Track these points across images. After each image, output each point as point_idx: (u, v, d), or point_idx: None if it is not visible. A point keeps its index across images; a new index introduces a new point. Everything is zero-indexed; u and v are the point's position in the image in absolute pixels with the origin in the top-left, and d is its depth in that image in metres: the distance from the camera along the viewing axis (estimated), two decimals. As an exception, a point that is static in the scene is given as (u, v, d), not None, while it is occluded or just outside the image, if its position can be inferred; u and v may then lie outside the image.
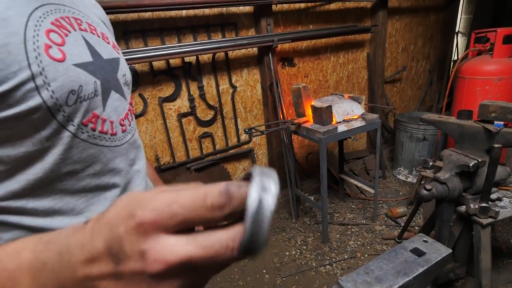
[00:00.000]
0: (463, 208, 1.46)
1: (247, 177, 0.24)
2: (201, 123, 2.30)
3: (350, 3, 2.74)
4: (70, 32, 0.48)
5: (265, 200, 0.22)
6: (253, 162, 2.64)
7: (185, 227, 0.22)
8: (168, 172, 2.25)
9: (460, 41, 4.08)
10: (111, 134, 0.53)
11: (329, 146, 2.98)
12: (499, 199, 1.53)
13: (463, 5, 4.11)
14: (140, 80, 1.98)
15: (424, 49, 3.65)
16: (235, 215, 0.23)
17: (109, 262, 0.22)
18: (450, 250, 0.98)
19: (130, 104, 0.61)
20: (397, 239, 1.98)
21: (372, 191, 2.41)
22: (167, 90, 2.10)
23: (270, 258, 2.23)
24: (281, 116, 2.42)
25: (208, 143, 2.39)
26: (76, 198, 0.50)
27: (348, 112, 2.14)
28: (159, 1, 1.74)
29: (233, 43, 2.09)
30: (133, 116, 0.62)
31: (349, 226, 2.49)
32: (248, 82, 2.43)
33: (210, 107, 2.30)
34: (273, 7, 2.26)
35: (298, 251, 2.28)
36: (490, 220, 1.39)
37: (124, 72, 0.59)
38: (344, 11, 2.76)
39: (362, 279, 0.92)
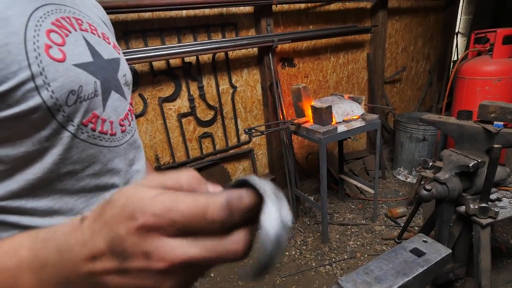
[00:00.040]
0: (462, 208, 1.46)
1: (242, 183, 0.24)
2: (201, 123, 2.30)
3: (350, 4, 2.74)
4: (70, 32, 0.48)
5: (283, 239, 0.21)
6: (253, 162, 2.64)
7: (183, 233, 0.22)
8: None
9: (460, 42, 4.08)
10: (111, 134, 0.53)
11: (329, 146, 2.98)
12: (499, 199, 1.53)
13: (463, 6, 4.11)
14: (140, 80, 1.97)
15: (424, 49, 3.65)
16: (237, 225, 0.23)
17: (113, 259, 0.23)
18: (450, 251, 0.99)
19: (131, 104, 0.61)
20: (396, 239, 1.99)
21: (372, 191, 2.41)
22: (167, 90, 2.10)
23: (270, 258, 2.23)
24: (281, 116, 2.42)
25: (208, 143, 2.39)
26: (76, 198, 0.50)
27: (348, 113, 2.14)
28: (159, 1, 1.74)
29: (233, 43, 2.09)
30: (133, 116, 0.62)
31: (349, 226, 2.49)
32: (248, 82, 2.43)
33: (210, 107, 2.30)
34: (273, 7, 2.26)
35: (298, 251, 2.28)
36: (489, 220, 1.39)
37: (124, 72, 0.59)
38: (344, 11, 2.76)
39: (361, 279, 0.92)
